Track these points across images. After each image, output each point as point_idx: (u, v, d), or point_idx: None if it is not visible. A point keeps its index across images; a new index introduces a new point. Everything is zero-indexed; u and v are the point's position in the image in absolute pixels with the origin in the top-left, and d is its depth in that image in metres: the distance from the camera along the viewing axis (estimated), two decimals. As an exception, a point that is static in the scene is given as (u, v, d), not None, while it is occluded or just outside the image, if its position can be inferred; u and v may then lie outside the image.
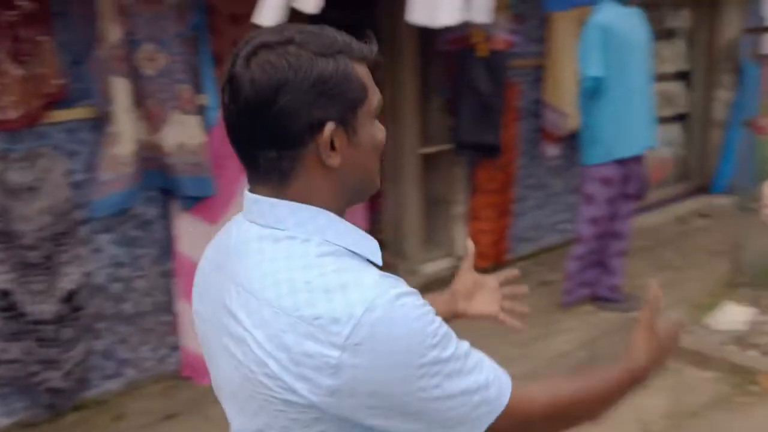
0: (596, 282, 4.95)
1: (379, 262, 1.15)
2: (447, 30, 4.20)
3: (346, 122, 1.10)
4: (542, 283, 5.46)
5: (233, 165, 4.13)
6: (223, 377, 1.17)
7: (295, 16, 3.40)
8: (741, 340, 4.40)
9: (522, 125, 5.67)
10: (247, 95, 1.06)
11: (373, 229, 5.75)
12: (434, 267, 5.52)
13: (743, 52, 7.40)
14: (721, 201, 7.15)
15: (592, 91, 4.45)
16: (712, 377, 4.09)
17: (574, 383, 1.26)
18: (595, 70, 4.37)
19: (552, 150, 5.86)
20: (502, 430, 1.11)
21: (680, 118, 7.69)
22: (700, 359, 4.20)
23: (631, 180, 4.68)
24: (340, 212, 1.15)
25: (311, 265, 1.06)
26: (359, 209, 5.43)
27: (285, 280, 1.05)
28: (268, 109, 1.06)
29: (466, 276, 1.69)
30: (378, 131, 1.17)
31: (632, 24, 4.57)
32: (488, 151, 5.17)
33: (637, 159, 4.65)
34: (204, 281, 1.24)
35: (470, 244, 1.73)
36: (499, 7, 4.55)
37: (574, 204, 6.16)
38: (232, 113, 1.10)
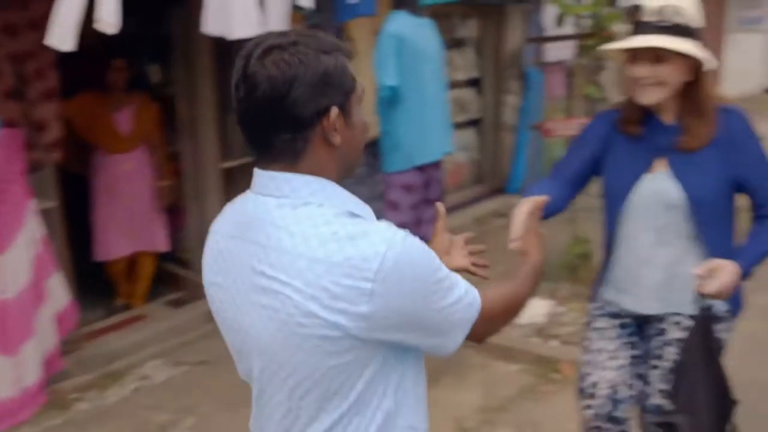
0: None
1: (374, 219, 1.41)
2: (244, 41, 4.10)
3: (344, 107, 1.35)
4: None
5: (18, 189, 3.81)
6: (253, 334, 1.38)
7: (86, 35, 3.20)
8: (542, 331, 4.64)
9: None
10: (264, 89, 1.29)
11: (176, 248, 5.53)
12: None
13: (527, 60, 7.87)
14: (516, 201, 7.53)
15: (390, 100, 4.52)
16: (519, 369, 4.28)
17: (512, 285, 1.63)
18: (391, 79, 4.43)
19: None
20: (477, 329, 1.45)
21: (473, 123, 8.05)
22: (506, 353, 4.38)
23: (431, 185, 4.80)
24: (339, 183, 1.40)
25: (331, 221, 1.31)
26: (160, 228, 5.22)
27: (313, 235, 1.29)
28: (284, 99, 1.29)
29: (442, 235, 1.94)
30: (362, 115, 1.42)
31: (425, 34, 4.69)
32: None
33: (436, 164, 4.78)
34: (222, 255, 1.44)
35: (440, 206, 1.95)
36: (295, 19, 4.52)
37: (380, 211, 6.27)
38: (250, 106, 1.32)
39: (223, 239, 1.46)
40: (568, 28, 5.63)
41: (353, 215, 1.35)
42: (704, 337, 2.21)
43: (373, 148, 5.89)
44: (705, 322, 2.21)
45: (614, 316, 2.57)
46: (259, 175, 1.39)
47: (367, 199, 5.21)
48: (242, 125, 1.36)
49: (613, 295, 2.55)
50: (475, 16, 7.82)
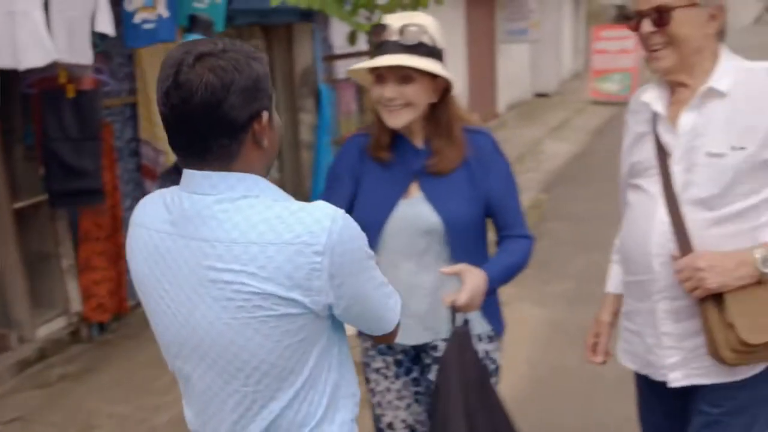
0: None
1: None
2: (29, 72, 3.87)
3: (269, 111, 1.43)
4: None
5: None
6: (204, 326, 1.42)
7: None
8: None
9: (122, 165, 5.45)
10: (202, 95, 1.32)
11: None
12: (49, 329, 5.03)
13: (319, 77, 7.98)
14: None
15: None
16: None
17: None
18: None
19: (153, 188, 5.71)
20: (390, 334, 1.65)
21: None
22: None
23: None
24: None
25: (272, 206, 1.39)
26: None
27: (259, 221, 1.37)
28: (222, 104, 1.33)
29: None
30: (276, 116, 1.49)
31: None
32: (89, 197, 4.83)
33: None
34: (160, 251, 1.46)
35: None
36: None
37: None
38: (185, 112, 1.34)
39: (158, 234, 1.47)
40: (360, 45, 5.78)
41: (288, 200, 1.44)
42: (460, 360, 2.09)
43: (173, 175, 5.74)
44: (460, 342, 2.11)
45: (387, 352, 2.43)
46: (192, 175, 1.42)
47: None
48: (176, 132, 1.38)
49: None
50: (263, 37, 7.82)
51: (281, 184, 8.13)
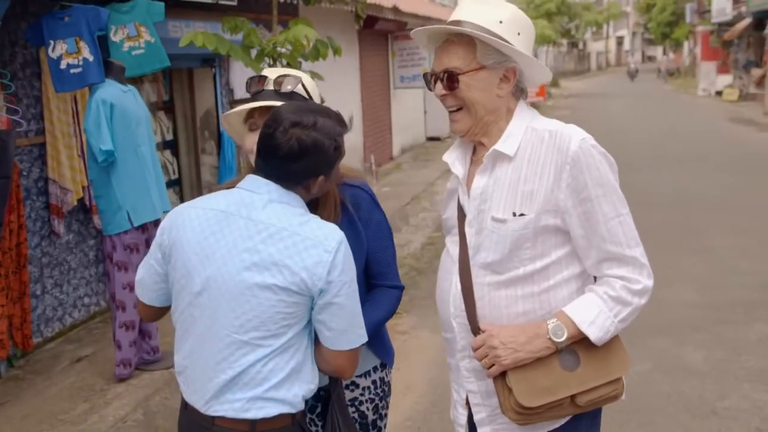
0: (138, 347, 5.05)
1: None
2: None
3: (329, 173, 2.01)
4: (78, 359, 5.41)
5: None
6: (224, 282, 1.88)
7: None
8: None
9: (29, 203, 5.55)
10: (285, 153, 1.90)
11: None
12: (-46, 367, 5.04)
13: (221, 121, 8.22)
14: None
15: (107, 164, 4.64)
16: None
17: None
18: (107, 144, 4.56)
19: (61, 226, 5.81)
20: (352, 355, 1.99)
21: (173, 183, 8.20)
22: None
23: (150, 243, 4.93)
24: None
25: (305, 214, 1.96)
26: None
27: (296, 219, 1.91)
28: (288, 163, 1.91)
29: None
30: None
31: (131, 99, 4.89)
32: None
33: (155, 223, 4.95)
34: (214, 220, 1.93)
35: None
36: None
37: (93, 277, 6.21)
38: (265, 157, 1.94)
39: (214, 212, 1.95)
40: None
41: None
42: (341, 406, 2.22)
43: (78, 214, 5.90)
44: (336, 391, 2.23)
45: None
46: (253, 179, 1.97)
47: (77, 267, 5.27)
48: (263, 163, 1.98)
49: None
50: (163, 81, 8.02)
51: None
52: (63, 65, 4.82)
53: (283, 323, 1.89)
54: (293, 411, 1.96)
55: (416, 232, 9.26)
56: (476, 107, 1.99)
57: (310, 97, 2.30)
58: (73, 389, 4.94)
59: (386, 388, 2.50)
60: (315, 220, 1.95)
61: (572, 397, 1.94)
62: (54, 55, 4.81)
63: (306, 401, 2.03)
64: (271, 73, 2.30)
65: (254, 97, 2.26)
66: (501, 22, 1.97)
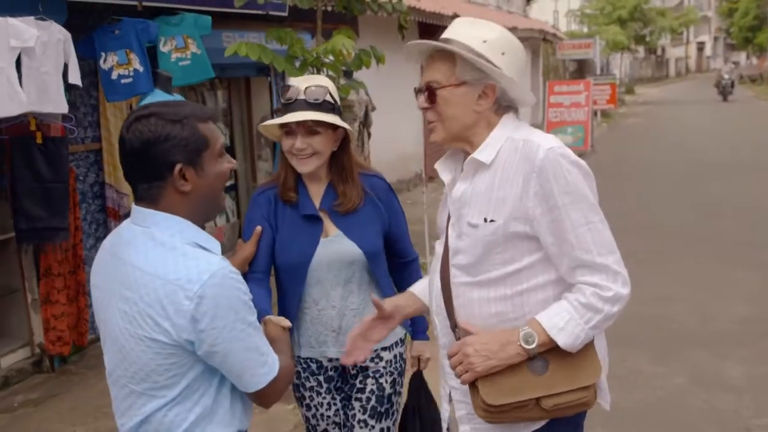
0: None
1: (219, 253, 1.78)
2: (2, 120, 4.28)
3: (194, 162, 1.75)
4: (126, 356, 5.64)
5: None
6: (112, 329, 1.78)
7: None
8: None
9: (85, 207, 5.83)
10: (128, 149, 1.73)
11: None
12: (11, 359, 5.37)
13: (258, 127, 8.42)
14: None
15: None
16: (292, 408, 4.68)
17: (285, 356, 1.96)
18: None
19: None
20: (267, 391, 1.82)
21: (230, 188, 8.44)
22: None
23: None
24: (198, 223, 1.80)
25: (176, 248, 1.72)
26: None
27: (160, 257, 1.71)
28: (140, 157, 1.72)
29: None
30: (223, 164, 1.82)
31: (180, 108, 5.09)
32: (55, 234, 5.19)
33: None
34: (104, 265, 1.84)
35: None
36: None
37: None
38: (122, 160, 1.77)
39: (105, 253, 1.87)
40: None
41: (198, 246, 1.76)
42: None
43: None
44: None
45: (318, 372, 2.75)
46: (134, 209, 1.81)
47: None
48: (124, 175, 1.82)
49: (314, 352, 2.73)
50: (222, 89, 8.27)
51: (241, 228, 8.50)
52: (114, 76, 5.07)
53: (168, 374, 1.75)
54: None
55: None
56: (450, 122, 2.07)
57: (338, 104, 2.56)
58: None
59: (403, 364, 2.78)
60: (186, 254, 1.71)
61: (538, 400, 1.99)
62: (105, 67, 5.07)
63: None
64: (301, 82, 2.53)
65: (286, 107, 2.52)
66: (485, 41, 2.04)
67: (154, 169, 1.73)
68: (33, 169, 4.86)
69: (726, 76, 33.30)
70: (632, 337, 5.38)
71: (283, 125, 2.53)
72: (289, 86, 2.56)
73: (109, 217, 6.04)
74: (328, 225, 2.64)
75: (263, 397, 1.86)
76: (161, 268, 1.69)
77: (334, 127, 2.55)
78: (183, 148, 1.73)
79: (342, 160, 2.63)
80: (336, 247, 2.62)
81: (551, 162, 1.96)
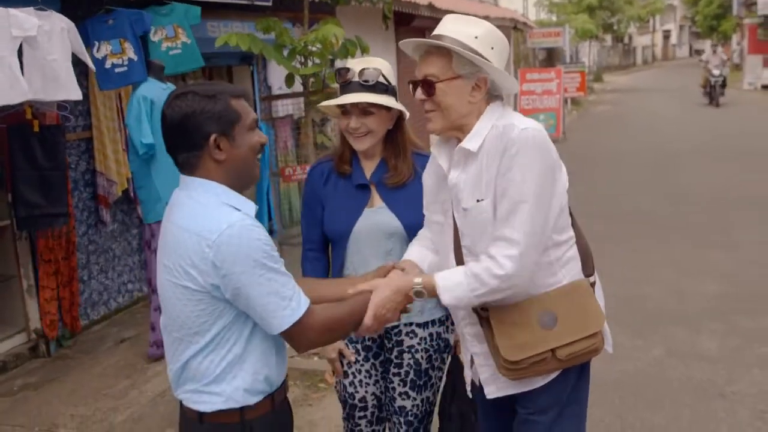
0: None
1: (252, 214, 1.96)
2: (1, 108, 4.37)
3: (227, 133, 1.96)
4: (121, 340, 5.79)
5: None
6: (162, 284, 1.98)
7: None
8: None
9: (77, 195, 5.93)
10: (169, 123, 1.95)
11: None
12: (8, 345, 5.48)
13: (259, 116, 8.54)
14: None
15: (148, 157, 4.96)
16: (291, 384, 4.83)
17: (340, 309, 2.13)
18: (147, 137, 4.89)
19: (107, 216, 6.19)
20: (293, 333, 1.96)
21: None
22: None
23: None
24: (235, 189, 1.99)
25: (208, 206, 1.92)
26: None
27: (191, 214, 1.92)
28: (179, 129, 1.93)
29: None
30: (254, 137, 2.01)
31: (171, 96, 5.20)
32: (54, 219, 5.27)
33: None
34: (162, 230, 2.02)
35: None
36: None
37: (136, 264, 6.57)
38: (164, 134, 1.97)
39: (163, 219, 2.07)
40: (296, 87, 6.37)
41: (230, 206, 1.95)
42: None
43: (123, 205, 6.26)
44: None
45: (356, 341, 2.88)
46: (181, 178, 2.02)
47: (121, 255, 5.63)
48: (166, 148, 2.01)
49: None
50: (205, 78, 8.35)
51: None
52: (108, 65, 5.16)
53: (200, 320, 1.94)
54: (236, 406, 2.01)
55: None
56: (449, 111, 2.23)
57: (392, 85, 2.71)
58: (117, 367, 5.30)
59: (441, 344, 2.88)
60: (212, 210, 1.92)
61: (553, 351, 2.19)
62: (99, 56, 5.15)
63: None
64: (356, 65, 2.69)
65: (342, 88, 2.69)
66: (476, 37, 2.21)
67: (192, 140, 1.94)
68: (30, 157, 4.95)
69: (716, 73, 23.13)
70: (611, 315, 5.52)
71: (340, 105, 2.69)
72: (347, 69, 2.69)
73: (100, 204, 6.14)
74: (375, 197, 2.78)
75: (291, 340, 2.00)
76: (192, 223, 1.89)
77: (387, 108, 2.68)
78: (217, 120, 1.93)
79: (396, 137, 2.77)
80: (378, 218, 2.75)
81: (519, 139, 2.12)
